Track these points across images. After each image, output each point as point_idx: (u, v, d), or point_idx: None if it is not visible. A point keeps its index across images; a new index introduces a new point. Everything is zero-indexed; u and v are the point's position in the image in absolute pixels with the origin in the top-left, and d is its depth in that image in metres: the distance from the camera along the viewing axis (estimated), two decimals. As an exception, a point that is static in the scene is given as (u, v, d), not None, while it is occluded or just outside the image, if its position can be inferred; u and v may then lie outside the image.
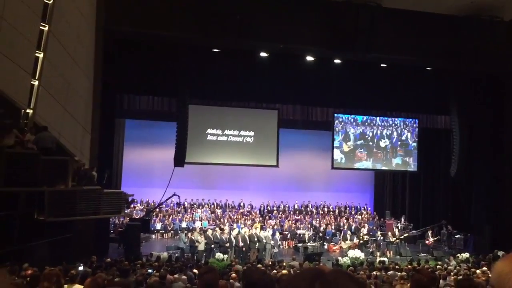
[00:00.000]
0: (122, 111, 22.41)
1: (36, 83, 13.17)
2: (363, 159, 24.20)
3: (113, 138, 21.36)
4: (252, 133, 23.72)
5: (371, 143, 24.21)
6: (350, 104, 23.64)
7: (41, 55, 13.24)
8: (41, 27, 13.19)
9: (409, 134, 24.56)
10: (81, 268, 11.11)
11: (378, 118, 24.35)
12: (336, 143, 24.08)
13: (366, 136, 24.22)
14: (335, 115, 24.13)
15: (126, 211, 20.33)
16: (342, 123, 24.12)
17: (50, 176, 11.99)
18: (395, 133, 24.44)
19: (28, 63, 12.70)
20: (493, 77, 22.52)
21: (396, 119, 24.52)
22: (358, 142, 24.12)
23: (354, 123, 24.17)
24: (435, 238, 22.63)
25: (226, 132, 23.49)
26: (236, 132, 23.61)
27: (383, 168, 24.68)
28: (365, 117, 24.22)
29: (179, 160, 21.39)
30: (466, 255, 19.80)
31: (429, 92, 22.95)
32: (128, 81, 20.66)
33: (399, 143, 24.45)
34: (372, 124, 24.33)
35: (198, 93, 21.81)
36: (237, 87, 21.92)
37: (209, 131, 23.29)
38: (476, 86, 22.81)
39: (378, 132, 24.30)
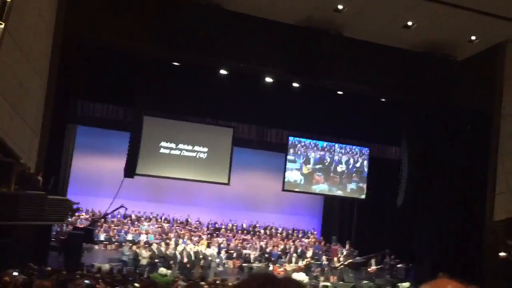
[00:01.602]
0: (75, 117, 21.96)
1: (-14, 80, 12.77)
2: (320, 182, 24.86)
3: (63, 144, 20.81)
4: (205, 149, 23.62)
5: (328, 168, 24.93)
6: (305, 127, 23.96)
7: (-6, 53, 12.86)
8: (-4, 24, 12.83)
9: (365, 162, 25.22)
10: (15, 274, 10.69)
11: (337, 145, 25.15)
12: (297, 165, 24.59)
13: (325, 161, 24.92)
14: (293, 138, 24.66)
15: (70, 219, 19.80)
16: (304, 147, 24.72)
17: (-8, 177, 11.58)
18: (351, 160, 25.27)
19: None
20: (445, 112, 23.22)
21: (354, 146, 25.10)
22: (317, 166, 24.75)
23: (315, 148, 24.90)
24: (378, 267, 22.96)
25: (180, 146, 23.31)
26: (190, 147, 23.47)
27: (338, 192, 25.23)
28: (325, 143, 25.01)
29: (130, 171, 21.07)
30: (406, 284, 20.17)
31: (382, 123, 23.50)
32: (84, 87, 20.29)
33: (354, 169, 25.28)
34: (331, 150, 25.12)
35: (154, 105, 21.64)
36: (194, 102, 21.85)
37: (163, 144, 23.06)
38: (428, 120, 23.47)
39: (336, 158, 25.09)
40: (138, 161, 21.14)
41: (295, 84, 21.98)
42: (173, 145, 23.21)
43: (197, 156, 23.56)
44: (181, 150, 23.33)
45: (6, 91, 13.63)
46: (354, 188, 25.24)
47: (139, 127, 21.17)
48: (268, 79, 21.68)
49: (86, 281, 11.58)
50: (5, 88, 13.52)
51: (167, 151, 23.16)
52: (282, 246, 25.00)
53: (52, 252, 19.73)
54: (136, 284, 12.19)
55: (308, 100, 22.45)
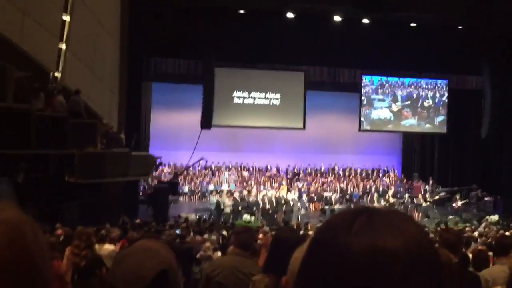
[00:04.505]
0: (148, 74, 22.42)
1: (63, 46, 13.21)
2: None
3: (140, 101, 21.44)
4: (278, 96, 23.56)
5: (416, 103, 25.01)
6: (378, 65, 23.25)
7: (67, 18, 13.24)
8: (67, -10, 13.15)
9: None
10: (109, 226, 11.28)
11: (423, 81, 25.03)
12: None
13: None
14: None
15: (154, 173, 20.58)
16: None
17: (79, 138, 12.13)
18: (437, 94, 25.03)
19: (55, 26, 12.72)
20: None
21: (439, 80, 24.91)
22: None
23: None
24: (464, 201, 22.38)
25: (253, 94, 23.38)
26: (262, 95, 23.49)
27: (427, 125, 25.14)
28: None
29: (206, 123, 21.45)
30: (495, 217, 19.55)
31: (460, 52, 22.36)
32: (155, 44, 20.61)
33: (441, 103, 25.01)
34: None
35: (224, 56, 21.68)
36: (263, 49, 21.70)
37: (236, 93, 23.21)
38: (509, 45, 22.09)
39: (423, 93, 25.05)
40: (213, 112, 21.44)
41: (365, 21, 21.24)
42: (246, 94, 23.30)
43: (271, 103, 23.57)
44: (254, 98, 23.40)
45: (83, 55, 14.08)
46: (443, 121, 24.94)
47: (211, 79, 21.35)
48: (337, 18, 21.07)
49: (177, 231, 12.07)
50: (82, 52, 13.96)
51: (240, 100, 23.30)
52: (362, 187, 24.89)
53: (141, 205, 20.69)
54: (224, 232, 12.59)
55: (380, 36, 21.68)
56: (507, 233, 12.86)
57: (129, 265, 1.42)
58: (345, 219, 0.74)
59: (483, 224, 17.51)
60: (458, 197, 22.46)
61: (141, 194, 22.08)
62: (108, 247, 7.77)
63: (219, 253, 9.52)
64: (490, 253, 6.09)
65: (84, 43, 14.35)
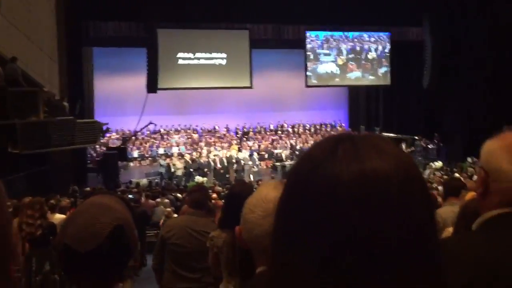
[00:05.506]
0: (88, 39, 21.63)
1: (-6, 12, 12.54)
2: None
3: (81, 67, 20.79)
4: (224, 55, 23.29)
5: (360, 56, 25.35)
6: (322, 20, 23.21)
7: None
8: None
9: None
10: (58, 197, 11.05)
11: (365, 34, 25.33)
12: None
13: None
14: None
15: (101, 140, 20.17)
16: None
17: (20, 108, 11.70)
18: (380, 46, 25.45)
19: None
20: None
21: (381, 33, 25.31)
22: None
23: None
24: (409, 150, 23.05)
25: (198, 55, 23.01)
26: (207, 55, 23.15)
27: (370, 77, 25.50)
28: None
29: (152, 86, 21.05)
30: (439, 163, 20.26)
31: (402, 4, 22.57)
32: (93, 7, 19.82)
33: (383, 55, 25.47)
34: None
35: (166, 16, 21.11)
36: (206, 8, 21.23)
37: (180, 55, 22.78)
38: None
39: (366, 46, 25.43)
40: (158, 75, 21.04)
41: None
42: (190, 55, 22.91)
43: (217, 63, 23.29)
44: (199, 58, 23.05)
45: (17, 20, 13.43)
46: (386, 72, 25.50)
47: (154, 41, 20.85)
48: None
49: (130, 196, 11.97)
50: (15, 17, 13.30)
51: (185, 61, 22.90)
52: (312, 142, 25.24)
53: (90, 173, 20.32)
54: (179, 194, 12.56)
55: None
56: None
57: (82, 222, 1.35)
58: (327, 147, 0.70)
59: (428, 171, 18.17)
60: (404, 146, 23.10)
61: (89, 162, 21.66)
62: (59, 217, 7.63)
63: (174, 215, 9.52)
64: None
65: (16, 7, 13.67)
